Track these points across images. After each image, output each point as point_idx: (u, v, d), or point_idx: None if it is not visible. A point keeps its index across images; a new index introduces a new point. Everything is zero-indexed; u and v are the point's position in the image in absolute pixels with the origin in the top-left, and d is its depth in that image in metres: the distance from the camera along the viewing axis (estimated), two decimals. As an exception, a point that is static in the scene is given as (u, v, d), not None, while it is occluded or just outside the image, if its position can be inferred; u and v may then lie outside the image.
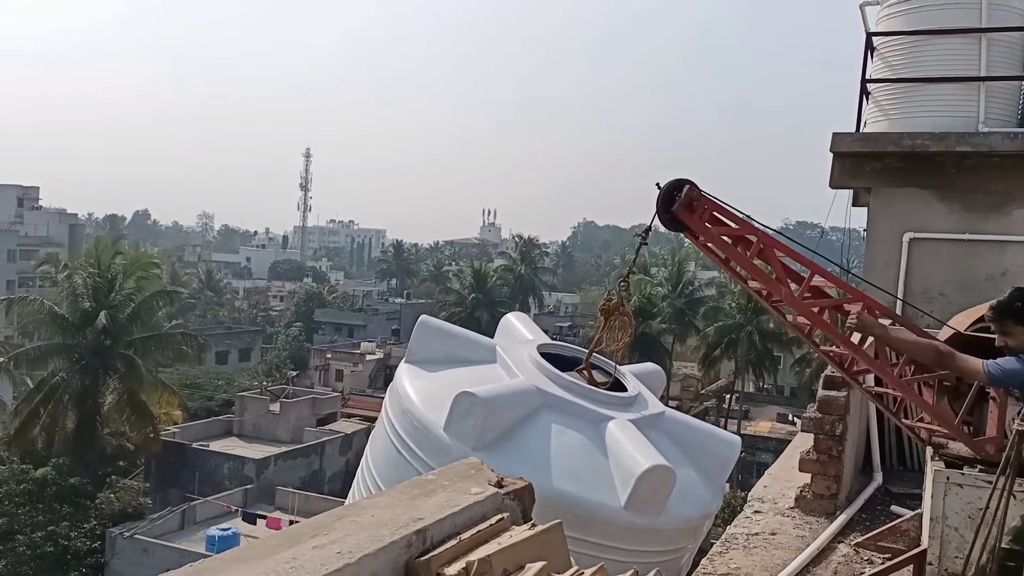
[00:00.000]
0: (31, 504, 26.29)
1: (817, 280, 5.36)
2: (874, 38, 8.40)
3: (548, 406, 4.09)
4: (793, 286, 5.40)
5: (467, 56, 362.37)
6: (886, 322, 4.88)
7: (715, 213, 5.47)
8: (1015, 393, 4.72)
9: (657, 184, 5.50)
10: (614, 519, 3.64)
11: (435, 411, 3.98)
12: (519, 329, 5.21)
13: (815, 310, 5.35)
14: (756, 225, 5.48)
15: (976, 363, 4.25)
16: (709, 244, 5.60)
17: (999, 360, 4.18)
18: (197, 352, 33.88)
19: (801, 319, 5.57)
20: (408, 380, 4.37)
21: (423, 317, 4.97)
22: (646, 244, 5.88)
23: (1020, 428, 3.45)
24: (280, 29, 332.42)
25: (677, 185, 5.39)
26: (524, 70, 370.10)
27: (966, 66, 7.90)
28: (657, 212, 5.47)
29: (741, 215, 5.50)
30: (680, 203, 5.33)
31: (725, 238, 5.54)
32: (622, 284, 5.79)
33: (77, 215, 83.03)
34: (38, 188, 78.31)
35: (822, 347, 5.92)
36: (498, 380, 4.23)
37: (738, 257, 5.54)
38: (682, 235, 5.78)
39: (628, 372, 4.92)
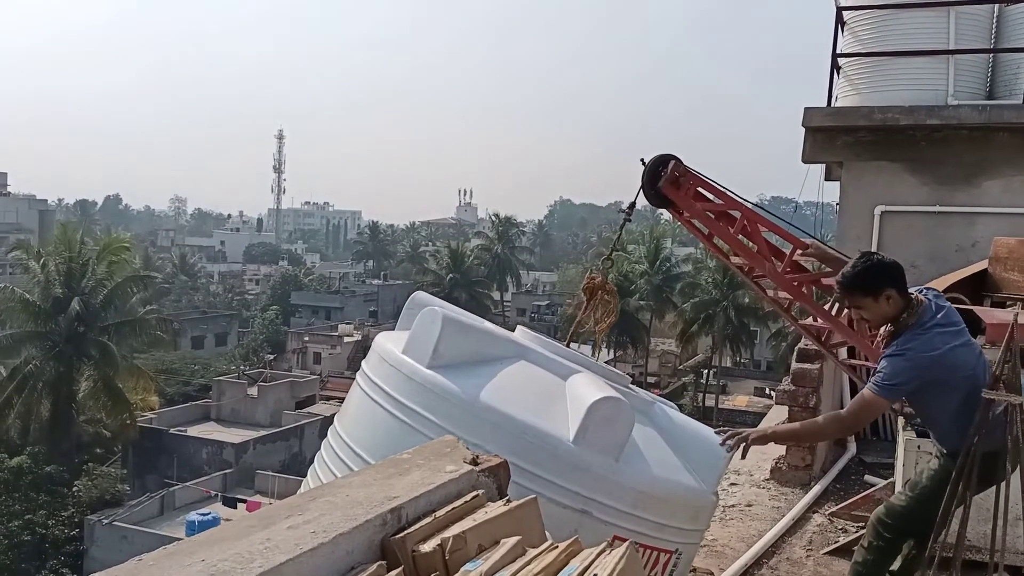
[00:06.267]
0: (7, 493, 26.07)
1: (797, 255, 5.40)
2: (844, 12, 8.42)
3: (523, 357, 3.76)
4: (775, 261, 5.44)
5: (442, 37, 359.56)
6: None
7: (700, 189, 5.47)
8: (913, 419, 4.54)
9: (642, 160, 5.46)
10: (565, 454, 3.30)
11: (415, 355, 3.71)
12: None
13: (797, 284, 5.39)
14: (740, 201, 5.49)
15: (867, 397, 3.50)
16: (693, 220, 5.60)
17: (875, 376, 3.50)
18: (172, 337, 33.63)
19: (783, 293, 5.61)
20: (389, 340, 4.09)
21: (417, 293, 4.54)
22: (630, 221, 5.87)
23: (987, 396, 3.49)
24: (253, 10, 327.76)
25: (662, 161, 5.37)
26: (500, 50, 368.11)
27: (935, 39, 7.94)
28: (642, 188, 5.44)
29: (727, 191, 5.51)
30: (666, 179, 5.31)
31: (709, 214, 5.54)
32: (605, 262, 5.76)
33: (47, 201, 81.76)
34: (6, 174, 77.17)
35: (800, 320, 5.98)
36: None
37: (722, 232, 5.55)
38: (662, 211, 5.78)
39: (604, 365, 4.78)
